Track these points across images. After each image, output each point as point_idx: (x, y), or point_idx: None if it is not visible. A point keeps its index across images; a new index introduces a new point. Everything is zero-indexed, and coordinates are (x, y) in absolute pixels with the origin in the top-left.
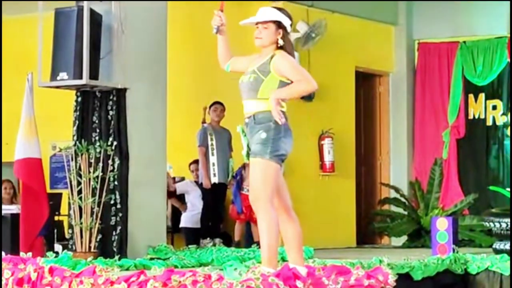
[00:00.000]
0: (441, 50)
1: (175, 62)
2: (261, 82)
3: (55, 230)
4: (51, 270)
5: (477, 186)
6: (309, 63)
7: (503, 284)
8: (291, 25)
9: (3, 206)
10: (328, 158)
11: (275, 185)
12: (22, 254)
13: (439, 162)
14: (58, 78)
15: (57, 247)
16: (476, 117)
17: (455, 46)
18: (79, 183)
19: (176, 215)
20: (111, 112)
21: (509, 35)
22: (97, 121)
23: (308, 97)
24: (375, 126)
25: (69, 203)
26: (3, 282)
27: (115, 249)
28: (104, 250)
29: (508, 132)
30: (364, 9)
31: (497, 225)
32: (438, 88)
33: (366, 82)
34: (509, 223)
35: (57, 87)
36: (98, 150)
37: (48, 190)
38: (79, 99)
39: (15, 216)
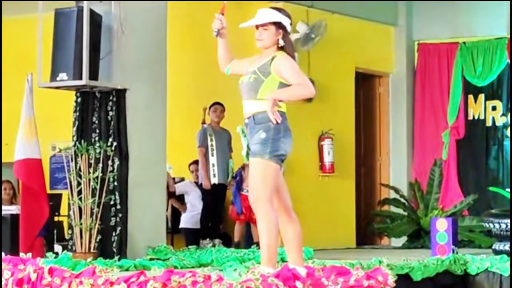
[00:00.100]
0: (441, 51)
1: (175, 62)
2: (261, 83)
3: (55, 231)
4: (51, 271)
5: (477, 187)
6: (309, 63)
7: (503, 285)
8: (290, 24)
9: (3, 207)
10: (327, 158)
11: (275, 185)
12: (21, 254)
13: (439, 162)
14: (58, 78)
15: (57, 247)
16: (476, 117)
17: (455, 47)
18: (79, 184)
19: (175, 215)
20: (111, 113)
21: (509, 36)
22: (97, 122)
23: (308, 98)
24: (375, 127)
25: (69, 204)
26: (3, 282)
27: (114, 250)
28: (104, 250)
29: (507, 133)
30: (364, 9)
31: (497, 226)
32: (438, 89)
33: (366, 82)
34: (508, 224)
35: (57, 87)
36: (98, 150)
37: (48, 191)
38: (79, 99)
39: (14, 217)
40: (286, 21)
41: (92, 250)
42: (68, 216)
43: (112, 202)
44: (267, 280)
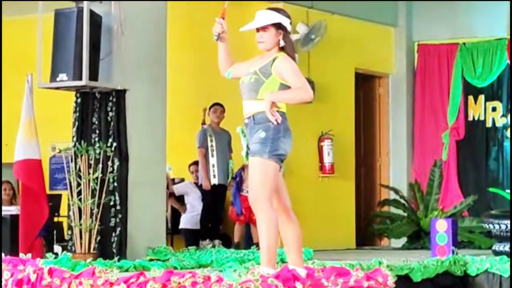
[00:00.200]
0: (440, 52)
1: (175, 63)
2: (261, 83)
3: (55, 231)
4: (51, 271)
5: (477, 188)
6: (309, 64)
7: (503, 285)
8: (290, 23)
9: (3, 207)
10: (327, 159)
11: (274, 185)
12: (21, 255)
13: (439, 163)
14: (58, 79)
15: (57, 248)
16: (476, 118)
17: (455, 48)
18: (78, 184)
19: (175, 216)
20: (110, 113)
21: (508, 37)
22: (96, 122)
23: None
24: (374, 128)
25: (68, 204)
26: (3, 283)
27: (114, 250)
28: (104, 251)
29: (507, 133)
30: (364, 10)
31: (497, 226)
32: (438, 90)
33: (365, 83)
34: (508, 225)
35: (57, 88)
36: (97, 151)
37: (48, 191)
38: (79, 100)
39: (14, 217)
40: (285, 21)
41: (91, 251)
42: (68, 216)
43: (112, 203)
44: (266, 281)
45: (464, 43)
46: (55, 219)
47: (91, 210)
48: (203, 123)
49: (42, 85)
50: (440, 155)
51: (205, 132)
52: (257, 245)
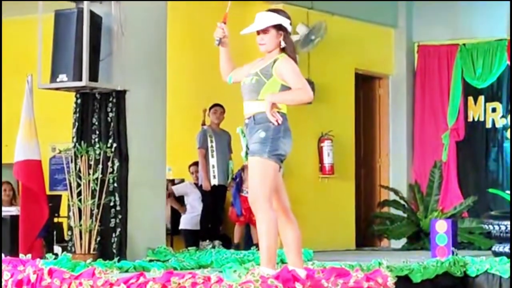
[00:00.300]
0: (440, 53)
1: (175, 64)
2: (262, 85)
3: (55, 232)
4: (51, 272)
5: (477, 189)
6: (309, 65)
7: (503, 286)
8: (290, 24)
9: (3, 208)
10: (327, 160)
11: (274, 185)
12: (21, 255)
13: (439, 164)
14: (58, 80)
15: (57, 249)
16: (476, 119)
17: (455, 49)
18: (78, 185)
19: (175, 217)
20: (110, 114)
21: (508, 38)
22: (96, 123)
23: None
24: (374, 129)
25: (68, 205)
26: (3, 283)
27: (114, 251)
28: (104, 252)
29: (507, 134)
30: (364, 11)
31: (497, 227)
32: (438, 91)
33: (365, 84)
34: (508, 226)
35: (57, 89)
36: (97, 152)
37: (48, 192)
38: (79, 101)
39: (14, 218)
40: (286, 22)
41: (91, 252)
42: (68, 217)
43: (112, 204)
44: (266, 281)
45: (464, 44)
46: (55, 219)
47: (91, 210)
48: (203, 123)
49: (42, 86)
50: (440, 156)
51: (205, 133)
52: (257, 245)
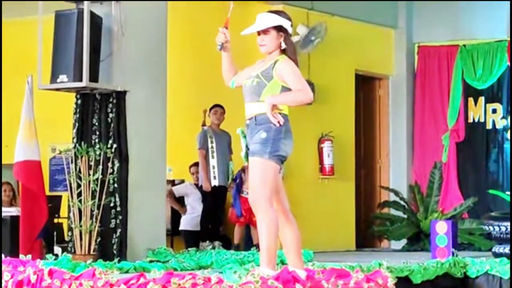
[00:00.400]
0: (441, 54)
1: (175, 64)
2: (263, 87)
3: (55, 233)
4: (51, 273)
5: (477, 190)
6: (309, 66)
7: (503, 287)
8: (291, 26)
9: (3, 209)
10: (327, 161)
11: (274, 185)
12: (21, 256)
13: (439, 165)
14: (58, 80)
15: (57, 249)
16: (476, 120)
17: (455, 50)
18: (78, 186)
19: (175, 217)
20: (111, 115)
21: (509, 39)
22: (97, 124)
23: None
24: (374, 129)
25: (68, 206)
26: (3, 284)
27: (114, 252)
28: (104, 252)
29: (508, 135)
30: (364, 12)
31: (497, 228)
32: (438, 92)
33: (366, 85)
34: (508, 227)
35: (57, 89)
36: (98, 152)
37: (48, 193)
38: (79, 101)
39: (14, 219)
40: (286, 24)
41: (92, 252)
42: (68, 218)
43: (112, 204)
44: (267, 282)
45: (464, 45)
46: (55, 220)
47: (91, 211)
48: (203, 124)
49: (42, 87)
50: (440, 157)
51: (205, 134)
52: (257, 246)
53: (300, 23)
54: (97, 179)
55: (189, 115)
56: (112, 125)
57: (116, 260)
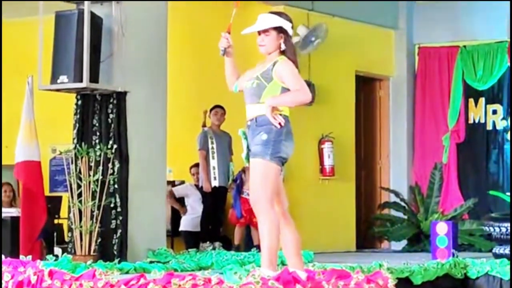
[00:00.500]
0: (441, 54)
1: (176, 65)
2: (263, 88)
3: (55, 233)
4: (51, 273)
5: (477, 191)
6: (310, 67)
7: None
8: (292, 28)
9: (3, 209)
10: (328, 162)
11: (275, 187)
12: (22, 257)
13: (439, 166)
14: (59, 81)
15: (57, 250)
16: (476, 121)
17: (455, 51)
18: (79, 186)
19: (175, 218)
20: (111, 115)
21: (509, 40)
22: (97, 124)
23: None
24: (375, 130)
25: (69, 206)
26: (3, 285)
27: (115, 252)
28: (104, 253)
29: (508, 136)
30: (365, 13)
31: (497, 229)
32: (438, 92)
33: (366, 86)
34: (509, 228)
35: (57, 90)
36: (98, 153)
37: (48, 193)
38: (79, 102)
39: (14, 219)
40: (287, 25)
41: (92, 253)
42: (68, 218)
43: (112, 205)
44: (267, 283)
45: (464, 46)
46: (56, 221)
47: (92, 212)
48: (204, 125)
49: (42, 87)
50: (440, 158)
51: (206, 134)
52: (257, 247)
53: (300, 24)
54: (97, 180)
55: (189, 115)
56: (112, 125)
57: (116, 260)
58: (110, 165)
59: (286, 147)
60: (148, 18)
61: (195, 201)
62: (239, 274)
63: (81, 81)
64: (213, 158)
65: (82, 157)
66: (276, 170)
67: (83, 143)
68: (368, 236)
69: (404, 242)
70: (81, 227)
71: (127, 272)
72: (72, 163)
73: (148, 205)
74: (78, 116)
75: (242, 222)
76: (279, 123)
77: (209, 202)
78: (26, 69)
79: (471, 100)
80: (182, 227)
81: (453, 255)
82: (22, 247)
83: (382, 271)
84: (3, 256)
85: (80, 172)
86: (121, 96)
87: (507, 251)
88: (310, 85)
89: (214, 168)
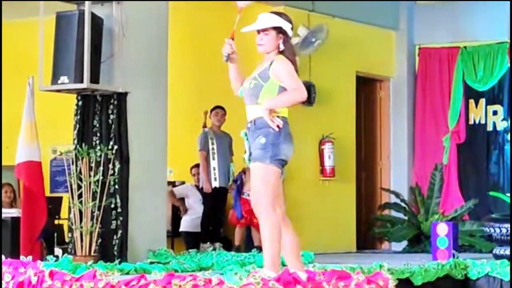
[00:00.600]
0: (441, 55)
1: (176, 66)
2: (261, 88)
3: (55, 234)
4: (51, 274)
5: (477, 192)
6: (310, 68)
7: None
8: (292, 29)
9: (3, 210)
10: (328, 163)
11: (276, 189)
12: (22, 257)
13: (440, 167)
14: (59, 82)
15: (57, 251)
16: (477, 122)
17: (456, 51)
18: (79, 187)
19: (176, 219)
20: (111, 116)
21: (509, 41)
22: (97, 125)
23: (309, 102)
24: (375, 131)
25: (69, 207)
26: (4, 285)
27: (115, 253)
28: (105, 254)
29: (508, 137)
30: (365, 14)
31: (497, 230)
32: (439, 93)
33: (366, 86)
34: (509, 229)
35: (58, 91)
36: (98, 154)
37: (49, 194)
38: (80, 103)
39: (15, 220)
40: (287, 26)
41: (92, 254)
42: (69, 219)
43: (112, 206)
44: (268, 284)
45: (465, 47)
46: (56, 221)
47: (92, 212)
48: (204, 126)
49: (43, 88)
50: (440, 159)
51: (206, 135)
52: (258, 248)
53: (301, 25)
54: (97, 181)
55: (190, 116)
56: (113, 126)
57: (116, 261)
58: (110, 166)
59: (285, 149)
60: (149, 18)
61: (195, 201)
62: (239, 274)
63: (81, 81)
64: (213, 158)
65: (82, 158)
66: (277, 172)
67: (83, 144)
68: (368, 237)
69: (404, 243)
70: (81, 227)
71: (127, 273)
72: (72, 163)
73: (148, 205)
74: (78, 117)
75: (242, 223)
76: (277, 126)
77: (210, 203)
78: (26, 69)
79: (472, 101)
80: (182, 228)
81: (454, 256)
82: (22, 247)
83: (383, 272)
84: (3, 257)
85: (80, 172)
86: (121, 97)
87: (508, 252)
88: (310, 86)
89: (214, 168)
